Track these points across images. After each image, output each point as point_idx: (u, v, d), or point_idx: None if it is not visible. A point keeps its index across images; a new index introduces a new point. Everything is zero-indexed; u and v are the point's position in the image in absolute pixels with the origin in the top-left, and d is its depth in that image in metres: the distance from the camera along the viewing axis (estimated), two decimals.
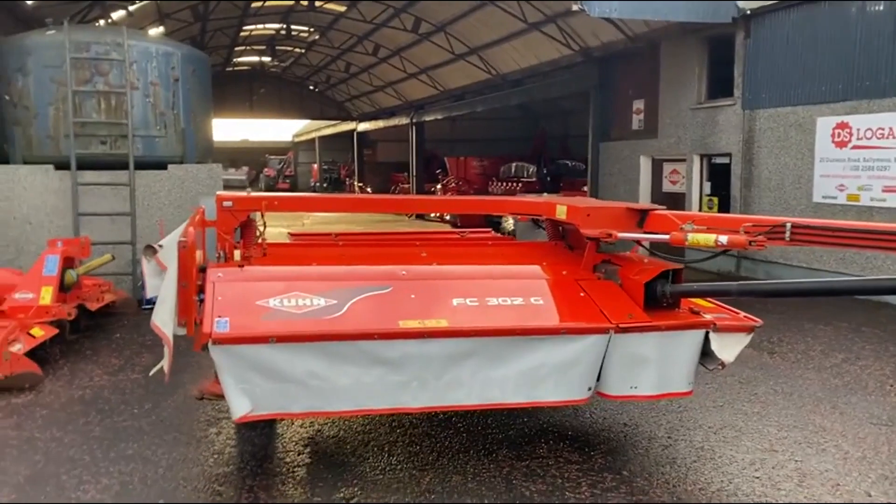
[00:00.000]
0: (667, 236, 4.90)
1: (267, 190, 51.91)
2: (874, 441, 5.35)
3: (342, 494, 4.43)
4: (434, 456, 5.02)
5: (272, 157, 57.39)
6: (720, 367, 4.82)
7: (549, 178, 27.66)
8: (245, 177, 58.79)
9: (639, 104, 16.72)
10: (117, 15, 17.43)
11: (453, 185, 27.61)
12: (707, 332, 4.80)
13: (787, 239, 4.53)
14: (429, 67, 25.80)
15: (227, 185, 50.87)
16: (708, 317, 4.96)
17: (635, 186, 16.77)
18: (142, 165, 10.55)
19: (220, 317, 4.21)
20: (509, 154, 29.98)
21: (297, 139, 56.55)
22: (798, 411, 5.99)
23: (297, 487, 4.54)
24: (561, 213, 5.57)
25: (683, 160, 15.21)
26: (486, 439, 5.33)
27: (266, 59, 32.76)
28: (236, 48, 29.57)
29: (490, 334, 4.45)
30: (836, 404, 6.18)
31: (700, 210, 14.89)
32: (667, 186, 16.09)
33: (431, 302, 4.60)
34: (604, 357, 4.61)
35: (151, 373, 5.11)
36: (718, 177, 14.66)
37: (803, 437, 5.42)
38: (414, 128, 30.64)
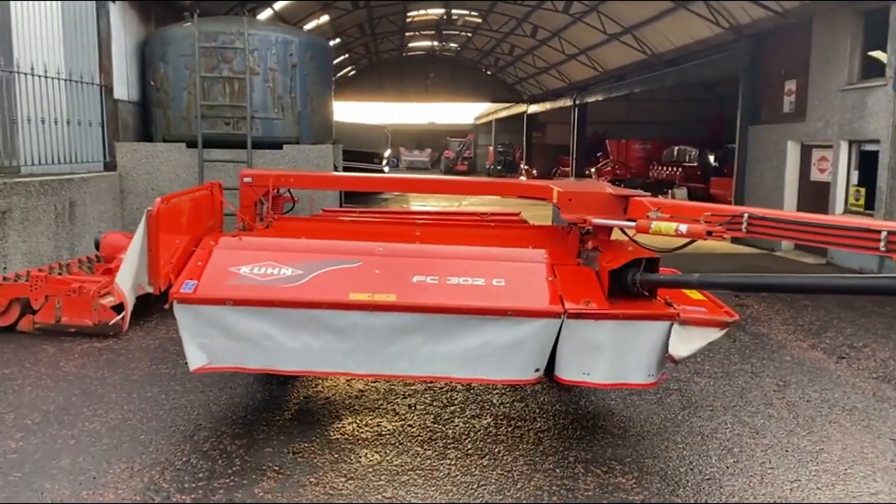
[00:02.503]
0: (633, 223, 4.80)
1: (445, 172, 53.56)
2: (866, 453, 4.85)
3: (293, 447, 4.82)
4: (400, 423, 5.28)
5: (453, 139, 58.94)
6: (670, 361, 4.63)
7: (717, 164, 26.30)
8: (427, 158, 61.03)
9: (790, 85, 15.46)
10: (279, 6, 18.92)
11: (608, 168, 26.99)
12: (672, 325, 4.64)
13: (744, 231, 4.31)
14: (587, 48, 25.40)
15: (411, 167, 53.01)
16: (688, 308, 4.78)
17: (782, 174, 15.60)
18: (260, 145, 11.57)
19: (189, 279, 4.77)
20: (676, 137, 28.70)
21: (477, 122, 57.69)
22: (813, 420, 5.52)
23: (262, 438, 4.99)
24: (555, 196, 5.55)
25: (832, 146, 13.92)
26: (463, 413, 5.49)
27: (436, 43, 33.78)
28: (406, 33, 30.80)
29: (434, 311, 4.62)
30: (868, 416, 5.62)
31: (846, 202, 13.61)
32: (815, 175, 14.80)
33: (392, 278, 4.82)
34: (557, 341, 4.63)
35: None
36: (869, 166, 13.27)
37: (790, 445, 5.02)
38: (576, 109, 30.28)
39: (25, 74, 9.92)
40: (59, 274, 8.30)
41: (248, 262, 4.89)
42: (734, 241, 17.31)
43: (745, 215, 4.28)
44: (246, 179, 6.03)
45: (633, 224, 4.78)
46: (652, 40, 21.22)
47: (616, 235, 5.24)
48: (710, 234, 4.34)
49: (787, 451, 4.95)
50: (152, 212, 4.56)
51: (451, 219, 6.58)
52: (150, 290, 4.72)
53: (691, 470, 4.63)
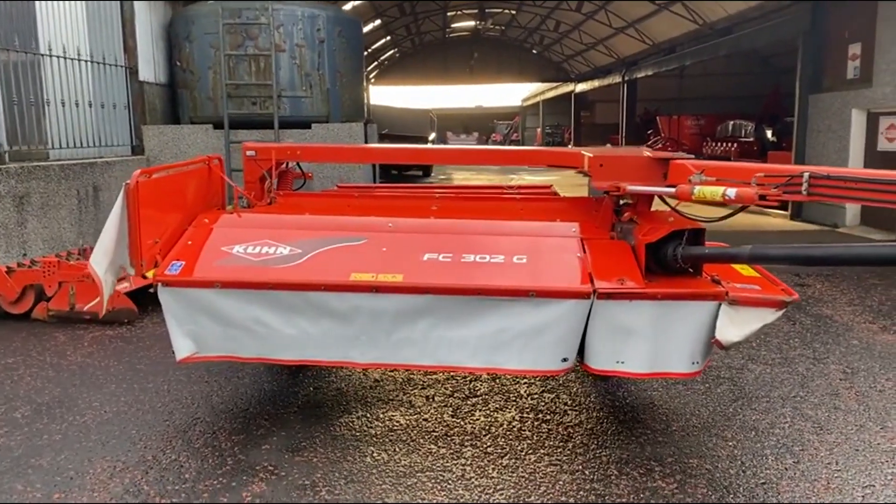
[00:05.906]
0: (673, 189, 4.19)
1: None
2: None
3: (293, 444, 4.36)
4: (414, 417, 4.77)
5: (500, 122, 58.18)
6: (718, 348, 4.00)
7: (774, 139, 25.10)
8: (475, 142, 60.43)
9: (854, 48, 14.36)
10: None
11: (659, 146, 25.94)
12: (719, 305, 4.02)
13: (805, 193, 3.65)
14: (635, 21, 24.36)
15: None
16: (738, 286, 4.16)
17: (846, 145, 14.54)
18: (289, 124, 11.17)
19: (177, 259, 4.34)
20: (730, 112, 27.47)
21: (524, 103, 56.75)
22: (887, 413, 4.81)
23: (260, 433, 4.54)
24: (585, 163, 4.95)
25: None
26: (486, 405, 4.95)
27: (479, 22, 33.03)
28: (448, 13, 30.13)
29: (444, 292, 4.09)
30: None
31: None
32: (882, 144, 13.72)
33: (400, 256, 4.31)
34: (587, 325, 4.07)
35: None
36: None
37: (860, 442, 4.34)
38: (625, 86, 29.22)
39: (50, 56, 9.69)
40: (77, 260, 8.02)
41: (242, 240, 4.44)
42: (792, 216, 16.34)
43: (806, 175, 3.62)
44: (249, 153, 5.57)
45: (672, 191, 4.17)
46: (704, 8, 20.15)
47: (658, 206, 4.64)
48: (763, 198, 3.70)
49: (857, 449, 4.28)
50: (130, 185, 4.12)
51: (473, 192, 6.02)
52: (132, 272, 4.28)
53: (743, 472, 4.00)
